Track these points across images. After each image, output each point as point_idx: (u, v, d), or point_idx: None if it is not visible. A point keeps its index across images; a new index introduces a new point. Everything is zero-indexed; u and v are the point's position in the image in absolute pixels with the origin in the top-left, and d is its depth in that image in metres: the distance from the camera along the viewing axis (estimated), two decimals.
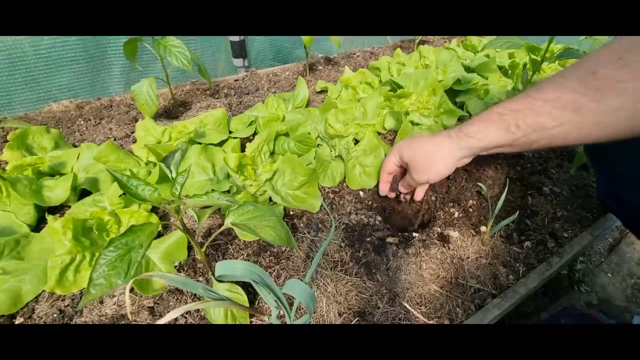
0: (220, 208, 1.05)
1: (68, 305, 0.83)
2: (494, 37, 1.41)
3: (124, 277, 0.54)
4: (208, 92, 1.85)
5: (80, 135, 1.48)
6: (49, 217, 0.86)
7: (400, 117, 1.40)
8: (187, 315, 0.82)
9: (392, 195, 1.06)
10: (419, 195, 1.02)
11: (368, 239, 1.01)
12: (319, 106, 1.66)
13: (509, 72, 1.84)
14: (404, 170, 0.98)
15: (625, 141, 0.67)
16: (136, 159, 1.20)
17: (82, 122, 1.56)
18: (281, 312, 0.79)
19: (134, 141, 1.37)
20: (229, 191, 1.08)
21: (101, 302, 0.84)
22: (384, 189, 1.05)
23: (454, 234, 1.03)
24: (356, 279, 0.90)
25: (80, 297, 0.85)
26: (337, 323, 0.81)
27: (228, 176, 1.14)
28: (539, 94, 0.59)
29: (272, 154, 1.27)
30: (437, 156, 0.79)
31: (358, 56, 2.43)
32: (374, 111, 1.45)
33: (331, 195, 1.18)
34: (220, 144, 1.32)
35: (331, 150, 1.29)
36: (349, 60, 2.35)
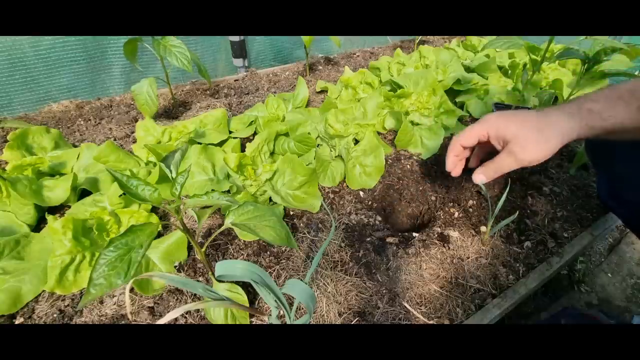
0: (220, 208, 1.05)
1: (68, 305, 0.83)
2: (494, 37, 1.41)
3: (124, 277, 0.54)
4: (208, 92, 1.85)
5: (80, 135, 1.48)
6: (49, 217, 0.86)
7: (400, 117, 1.40)
8: (187, 315, 0.82)
9: (458, 172, 0.84)
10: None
11: (368, 239, 1.01)
12: (319, 106, 1.66)
13: (509, 72, 1.84)
14: (482, 149, 0.82)
15: (626, 141, 0.67)
16: (136, 159, 1.20)
17: (82, 122, 1.56)
18: (281, 312, 0.79)
19: (134, 141, 1.37)
20: (229, 191, 1.08)
21: (101, 302, 0.84)
22: (452, 164, 0.82)
23: (454, 234, 1.03)
24: (356, 279, 0.90)
25: (80, 297, 0.85)
26: (337, 323, 0.81)
27: (228, 176, 1.14)
28: None
29: (272, 154, 1.27)
30: (553, 134, 0.64)
31: (358, 56, 2.43)
32: (374, 111, 1.45)
33: (331, 195, 1.17)
34: (220, 144, 1.32)
35: (331, 150, 1.29)
36: (349, 60, 2.35)
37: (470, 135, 0.74)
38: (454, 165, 0.82)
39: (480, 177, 0.74)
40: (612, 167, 0.81)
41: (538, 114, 0.66)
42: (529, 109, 1.26)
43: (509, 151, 0.67)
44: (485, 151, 0.81)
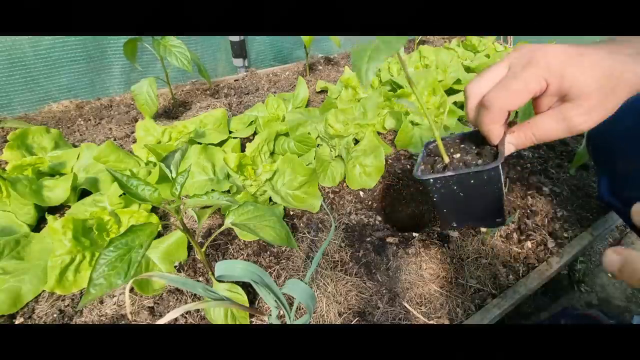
0: (220, 208, 1.05)
1: (68, 305, 0.83)
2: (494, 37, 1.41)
3: (124, 277, 0.54)
4: (208, 92, 1.85)
5: (80, 135, 1.48)
6: (49, 217, 0.86)
7: (400, 117, 1.40)
8: (187, 315, 0.82)
9: (514, 147, 0.47)
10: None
11: (368, 239, 1.01)
12: (319, 106, 1.66)
13: None
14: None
15: (629, 139, 0.66)
16: (136, 159, 1.20)
17: (82, 122, 1.56)
18: (281, 312, 0.79)
19: (134, 141, 1.37)
20: (229, 191, 1.08)
21: (101, 302, 0.84)
22: (500, 133, 0.45)
23: (454, 234, 1.03)
24: (356, 279, 0.90)
25: (80, 297, 0.85)
26: (337, 323, 0.81)
27: (228, 176, 1.14)
28: None
29: (272, 154, 1.27)
30: (623, 91, 0.42)
31: None
32: (374, 111, 1.45)
33: (331, 195, 1.17)
34: (220, 144, 1.32)
35: (331, 150, 1.29)
36: (349, 60, 2.35)
37: (522, 94, 0.41)
38: (500, 138, 0.45)
39: (509, 146, 0.45)
40: (614, 164, 0.80)
41: (610, 55, 0.42)
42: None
43: (564, 115, 0.42)
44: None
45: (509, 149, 0.45)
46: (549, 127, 0.44)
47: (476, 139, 0.47)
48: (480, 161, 0.43)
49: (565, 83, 0.41)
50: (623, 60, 0.43)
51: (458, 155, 0.45)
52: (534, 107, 0.46)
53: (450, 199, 0.44)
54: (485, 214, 0.46)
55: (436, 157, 0.47)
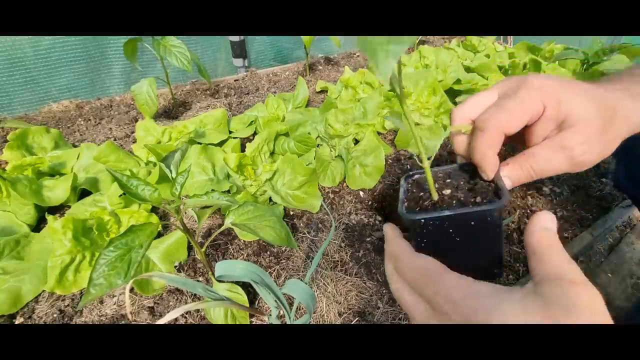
0: (220, 208, 1.05)
1: (68, 305, 0.83)
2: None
3: (124, 277, 0.54)
4: (208, 92, 1.85)
5: (80, 135, 1.48)
6: (49, 217, 0.86)
7: (400, 117, 1.40)
8: (187, 315, 0.82)
9: (510, 182, 0.41)
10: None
11: (368, 239, 1.01)
12: (319, 106, 1.66)
13: (509, 72, 1.84)
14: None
15: None
16: (136, 159, 1.20)
17: (82, 122, 1.56)
18: (281, 312, 0.79)
19: (134, 141, 1.37)
20: (229, 191, 1.08)
21: (101, 302, 0.84)
22: (495, 162, 0.39)
23: None
24: (356, 279, 0.90)
25: (80, 297, 0.85)
26: (337, 323, 0.81)
27: (228, 176, 1.14)
28: None
29: (272, 154, 1.27)
30: (622, 126, 0.40)
31: (358, 56, 2.43)
32: (374, 111, 1.45)
33: (331, 195, 1.18)
34: (220, 144, 1.32)
35: (331, 150, 1.29)
36: (349, 60, 2.35)
37: (519, 114, 0.38)
38: (495, 169, 0.39)
39: (506, 181, 0.39)
40: (631, 147, 0.76)
41: (605, 89, 0.41)
42: None
43: (563, 144, 0.38)
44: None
45: (506, 184, 0.38)
46: (547, 157, 0.39)
47: (464, 173, 0.40)
48: (478, 199, 0.36)
49: (562, 107, 0.38)
50: (616, 95, 0.41)
51: (448, 191, 0.38)
52: (526, 139, 0.41)
53: (443, 244, 0.35)
54: (483, 263, 0.37)
55: (421, 193, 0.40)
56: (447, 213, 0.34)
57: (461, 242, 0.34)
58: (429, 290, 0.31)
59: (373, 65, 0.20)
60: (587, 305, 0.25)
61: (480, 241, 0.35)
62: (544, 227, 0.32)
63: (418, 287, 0.33)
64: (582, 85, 0.39)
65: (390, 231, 0.40)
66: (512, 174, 0.39)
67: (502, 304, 0.27)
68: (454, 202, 0.36)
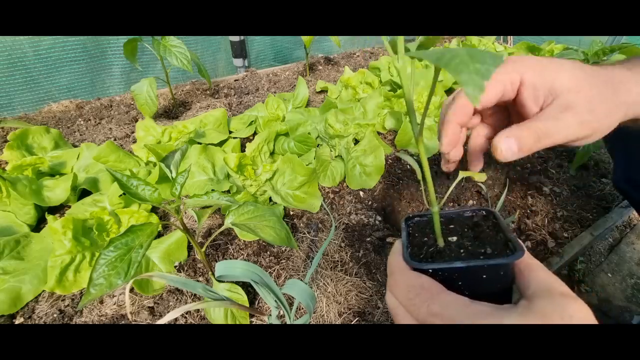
0: (220, 208, 1.05)
1: (68, 305, 0.83)
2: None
3: (124, 277, 0.54)
4: (208, 92, 1.85)
5: (80, 135, 1.48)
6: (49, 217, 0.86)
7: (400, 117, 1.40)
8: (187, 315, 0.82)
9: (455, 160, 0.42)
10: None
11: (368, 239, 1.01)
12: (319, 106, 1.66)
13: None
14: (498, 117, 0.42)
15: None
16: (136, 159, 1.20)
17: (82, 122, 1.56)
18: (281, 312, 0.79)
19: (134, 141, 1.37)
20: (229, 191, 1.08)
21: (101, 302, 0.84)
22: (451, 142, 0.39)
23: None
24: (356, 279, 0.90)
25: (80, 297, 0.85)
26: (337, 323, 0.81)
27: (228, 176, 1.14)
28: None
29: (272, 154, 1.27)
30: (623, 97, 0.37)
31: (358, 56, 2.43)
32: (374, 111, 1.45)
33: (331, 195, 1.18)
34: (220, 144, 1.32)
35: (331, 150, 1.29)
36: (349, 60, 2.35)
37: (492, 88, 0.36)
38: (453, 144, 0.39)
39: (511, 144, 0.34)
40: (629, 149, 0.77)
41: (596, 65, 0.39)
42: None
43: (568, 104, 0.35)
44: (498, 123, 0.42)
45: (510, 148, 0.34)
46: (554, 116, 0.35)
47: (466, 219, 0.38)
48: (488, 249, 0.33)
49: (546, 74, 0.35)
50: (609, 68, 0.39)
51: (454, 238, 0.35)
52: (523, 116, 0.38)
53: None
54: None
55: (425, 238, 0.37)
56: (458, 265, 0.31)
57: (470, 295, 0.30)
58: (423, 310, 0.29)
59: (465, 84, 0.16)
60: (581, 318, 0.25)
61: (489, 296, 0.31)
62: None
63: (411, 306, 0.30)
64: (565, 59, 0.38)
65: (394, 246, 0.37)
66: (519, 135, 0.34)
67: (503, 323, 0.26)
68: (462, 251, 0.34)
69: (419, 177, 0.35)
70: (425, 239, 0.37)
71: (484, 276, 0.31)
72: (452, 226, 0.38)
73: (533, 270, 0.30)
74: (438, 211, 0.34)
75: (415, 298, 0.30)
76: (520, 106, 0.37)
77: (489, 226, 0.36)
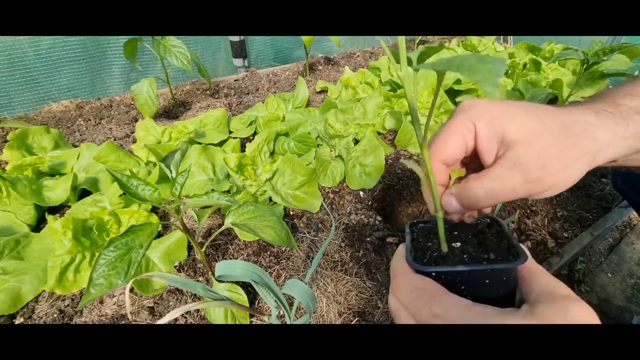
0: (220, 208, 1.05)
1: (68, 305, 0.83)
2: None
3: (124, 277, 0.54)
4: (208, 92, 1.85)
5: (80, 135, 1.48)
6: (49, 217, 0.86)
7: (400, 117, 1.40)
8: (187, 315, 0.82)
9: (456, 215, 0.38)
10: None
11: (368, 239, 1.01)
12: (319, 106, 1.66)
13: (509, 72, 1.84)
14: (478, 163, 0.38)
15: None
16: (136, 159, 1.20)
17: (82, 122, 1.56)
18: (281, 312, 0.79)
19: (134, 141, 1.37)
20: (229, 191, 1.08)
21: (101, 302, 0.84)
22: (435, 201, 0.36)
23: None
24: (356, 279, 0.90)
25: (80, 297, 0.85)
26: (337, 323, 0.81)
27: (228, 176, 1.14)
28: None
29: (272, 154, 1.27)
30: (584, 146, 0.34)
31: (358, 56, 2.43)
32: (374, 111, 1.45)
33: (331, 195, 1.17)
34: (220, 144, 1.32)
35: (331, 150, 1.29)
36: (349, 60, 2.35)
37: (445, 137, 0.36)
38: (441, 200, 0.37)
39: (451, 200, 0.36)
40: None
41: (556, 108, 0.36)
42: None
43: (516, 160, 0.33)
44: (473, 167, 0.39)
45: (452, 205, 0.35)
46: (499, 175, 0.33)
47: (471, 227, 0.38)
48: (492, 255, 0.33)
49: (496, 123, 0.33)
50: (577, 111, 0.36)
51: (458, 244, 0.36)
52: (483, 165, 0.36)
53: None
54: None
55: (429, 243, 0.37)
56: (461, 268, 0.31)
57: (473, 299, 0.30)
58: (425, 312, 0.29)
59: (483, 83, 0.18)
60: (583, 320, 0.25)
61: (492, 301, 0.30)
62: None
63: (413, 308, 0.30)
64: (524, 103, 0.35)
65: (398, 250, 0.37)
66: (460, 194, 0.34)
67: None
68: (466, 256, 0.34)
69: (423, 183, 0.35)
70: (429, 244, 0.37)
71: (487, 281, 0.31)
72: (456, 233, 0.38)
73: (535, 276, 0.30)
74: (442, 217, 0.35)
75: (418, 300, 0.30)
76: (480, 153, 0.35)
77: (492, 233, 0.36)
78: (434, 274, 0.32)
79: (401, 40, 0.27)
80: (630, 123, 0.36)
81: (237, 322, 0.77)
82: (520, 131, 0.32)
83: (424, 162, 0.33)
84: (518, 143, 0.32)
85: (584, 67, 1.26)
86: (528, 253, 0.31)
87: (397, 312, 0.32)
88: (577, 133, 0.34)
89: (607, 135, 0.35)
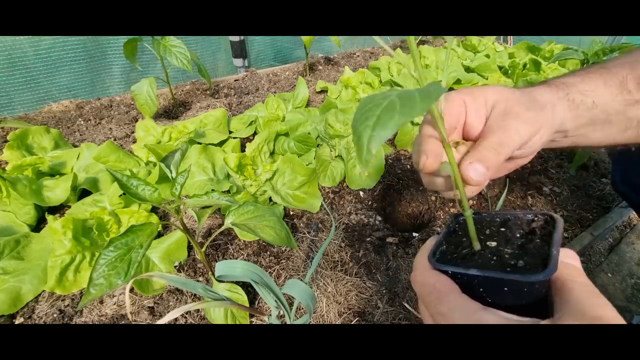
0: (220, 208, 1.05)
1: (68, 305, 0.83)
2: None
3: (124, 277, 0.54)
4: (208, 92, 1.85)
5: (80, 135, 1.48)
6: (49, 217, 0.86)
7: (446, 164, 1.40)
8: (187, 315, 0.82)
9: (476, 189, 0.39)
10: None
11: (368, 239, 1.01)
12: (319, 106, 1.66)
13: (509, 71, 1.84)
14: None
15: None
16: (136, 159, 1.20)
17: (82, 122, 1.56)
18: (281, 312, 0.79)
19: (134, 141, 1.37)
20: (229, 191, 1.08)
21: (101, 302, 0.84)
22: (432, 165, 0.37)
23: None
24: (356, 279, 0.90)
25: (80, 297, 0.85)
26: (337, 323, 0.81)
27: (228, 176, 1.14)
28: None
29: (272, 154, 1.27)
30: (547, 107, 0.40)
31: (358, 56, 2.43)
32: None
33: (331, 195, 1.17)
34: (220, 144, 1.32)
35: (331, 150, 1.29)
36: (349, 60, 2.35)
37: (452, 106, 0.40)
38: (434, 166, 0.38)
39: (478, 167, 0.35)
40: (627, 152, 0.78)
41: (525, 89, 0.44)
42: None
43: (504, 112, 0.38)
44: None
45: (479, 171, 0.34)
46: (497, 137, 0.36)
47: (523, 225, 0.36)
48: (521, 262, 0.30)
49: (489, 95, 0.40)
50: (533, 88, 0.43)
51: (494, 243, 0.34)
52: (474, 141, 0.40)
53: (473, 298, 0.30)
54: None
55: (464, 238, 0.36)
56: (474, 272, 0.29)
57: (494, 305, 0.29)
58: (432, 308, 0.31)
59: (356, 146, 0.19)
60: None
61: (516, 309, 0.29)
62: (565, 262, 0.30)
63: (425, 302, 0.33)
64: (510, 89, 0.42)
65: (426, 242, 0.38)
66: (480, 156, 0.35)
67: None
68: (494, 259, 0.32)
69: (454, 183, 0.34)
70: (464, 239, 0.36)
71: (505, 289, 0.30)
72: (503, 229, 0.36)
73: (567, 291, 0.28)
74: (471, 215, 0.34)
75: (427, 296, 0.32)
76: (469, 127, 0.40)
77: (542, 235, 0.33)
78: (450, 272, 0.32)
79: (411, 40, 0.27)
80: (561, 89, 0.44)
81: (237, 322, 0.77)
82: (499, 94, 0.40)
83: (448, 162, 0.34)
84: (500, 101, 0.39)
85: (584, 67, 1.26)
86: (558, 267, 0.29)
87: (418, 300, 0.36)
88: (544, 102, 0.41)
89: (554, 97, 0.43)
